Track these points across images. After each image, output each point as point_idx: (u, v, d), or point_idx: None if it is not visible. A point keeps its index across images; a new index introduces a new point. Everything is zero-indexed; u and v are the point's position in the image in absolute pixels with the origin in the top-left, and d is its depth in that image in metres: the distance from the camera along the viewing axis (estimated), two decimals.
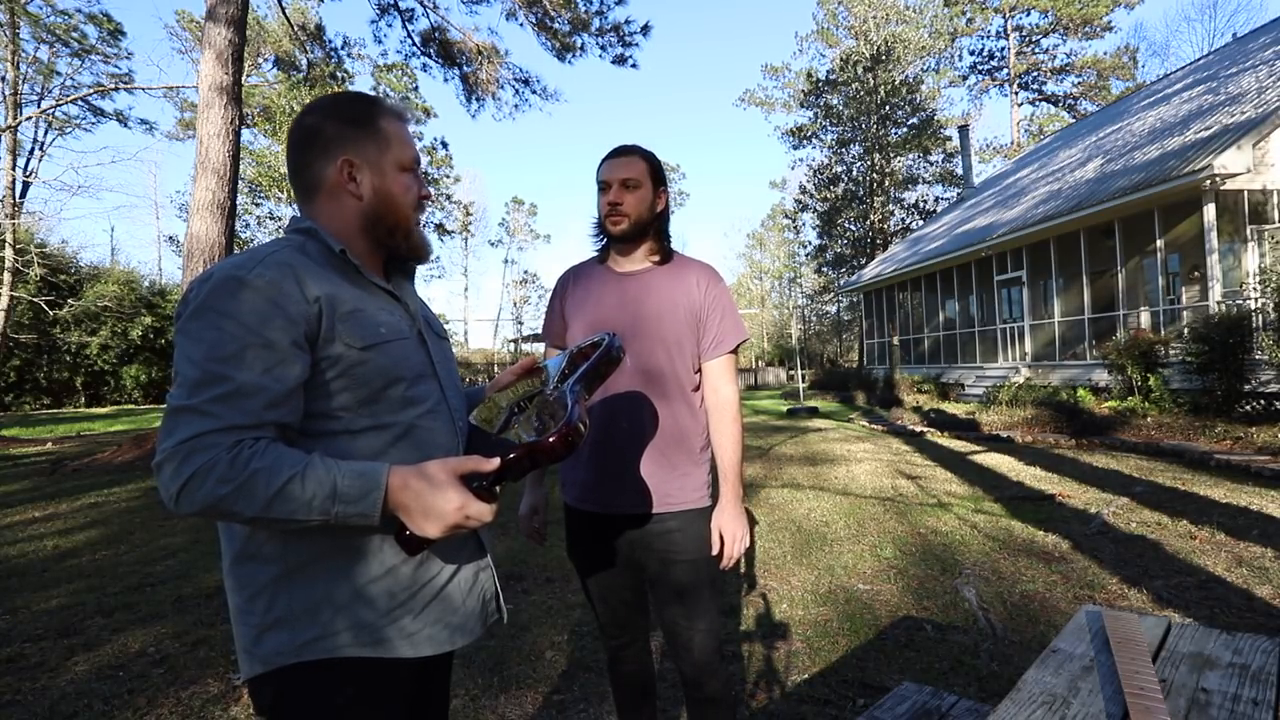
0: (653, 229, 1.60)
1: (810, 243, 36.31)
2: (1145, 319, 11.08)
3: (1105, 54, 32.62)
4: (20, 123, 18.68)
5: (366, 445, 0.95)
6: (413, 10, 13.56)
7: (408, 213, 1.06)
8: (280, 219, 27.81)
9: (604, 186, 1.57)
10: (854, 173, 30.22)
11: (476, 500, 0.86)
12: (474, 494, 0.86)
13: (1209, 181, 9.10)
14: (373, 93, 1.14)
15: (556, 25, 13.15)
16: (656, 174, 1.60)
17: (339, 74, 19.52)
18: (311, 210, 1.04)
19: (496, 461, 0.88)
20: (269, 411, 0.86)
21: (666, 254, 1.62)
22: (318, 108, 1.04)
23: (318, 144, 1.01)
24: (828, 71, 30.35)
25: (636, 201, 1.55)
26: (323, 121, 1.02)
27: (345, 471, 0.85)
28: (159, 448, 0.82)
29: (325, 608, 0.92)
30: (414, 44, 13.93)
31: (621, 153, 1.58)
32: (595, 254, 1.70)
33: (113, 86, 19.18)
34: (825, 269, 33.56)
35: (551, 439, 0.88)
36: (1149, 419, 8.27)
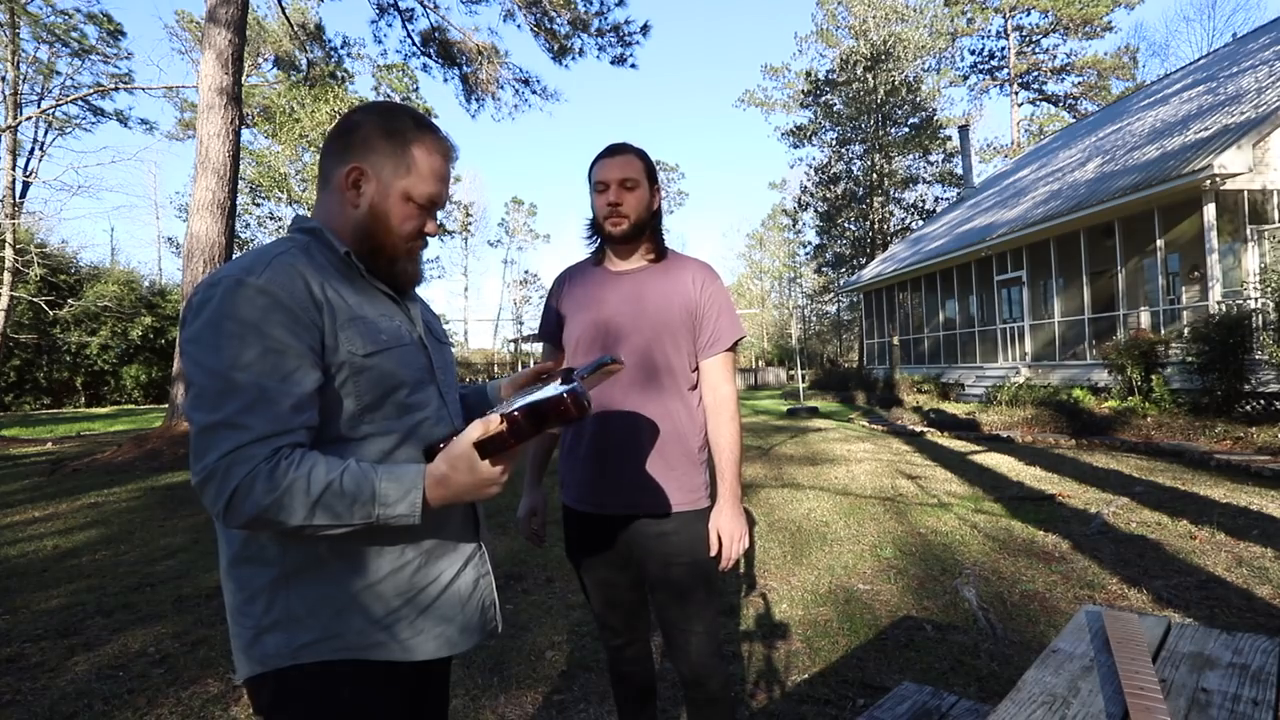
0: (649, 228, 1.59)
1: (810, 243, 36.35)
2: (1145, 319, 11.08)
3: (1105, 54, 32.65)
4: (20, 123, 18.69)
5: (368, 452, 0.95)
6: (412, 10, 13.57)
7: (397, 241, 1.02)
8: (280, 219, 27.80)
9: (601, 187, 1.54)
10: (854, 173, 30.22)
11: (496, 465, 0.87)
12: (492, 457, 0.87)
13: (1209, 181, 9.10)
14: (434, 121, 1.09)
15: (555, 26, 13.16)
16: (651, 172, 1.58)
17: (339, 74, 19.54)
18: (319, 201, 1.04)
19: (496, 419, 0.86)
20: (296, 415, 0.86)
21: (661, 252, 1.61)
22: (368, 108, 1.03)
23: (343, 141, 1.01)
24: (827, 71, 30.35)
25: (636, 202, 1.53)
26: (362, 122, 1.01)
27: (383, 475, 0.87)
28: (196, 467, 0.83)
29: (323, 611, 0.92)
30: (414, 44, 13.95)
31: (617, 152, 1.55)
32: (590, 254, 1.69)
33: (113, 86, 19.21)
34: (825, 269, 33.57)
35: (565, 394, 0.85)
36: (1149, 419, 8.27)
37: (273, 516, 0.82)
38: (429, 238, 1.07)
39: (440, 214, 1.11)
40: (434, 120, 1.06)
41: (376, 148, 0.99)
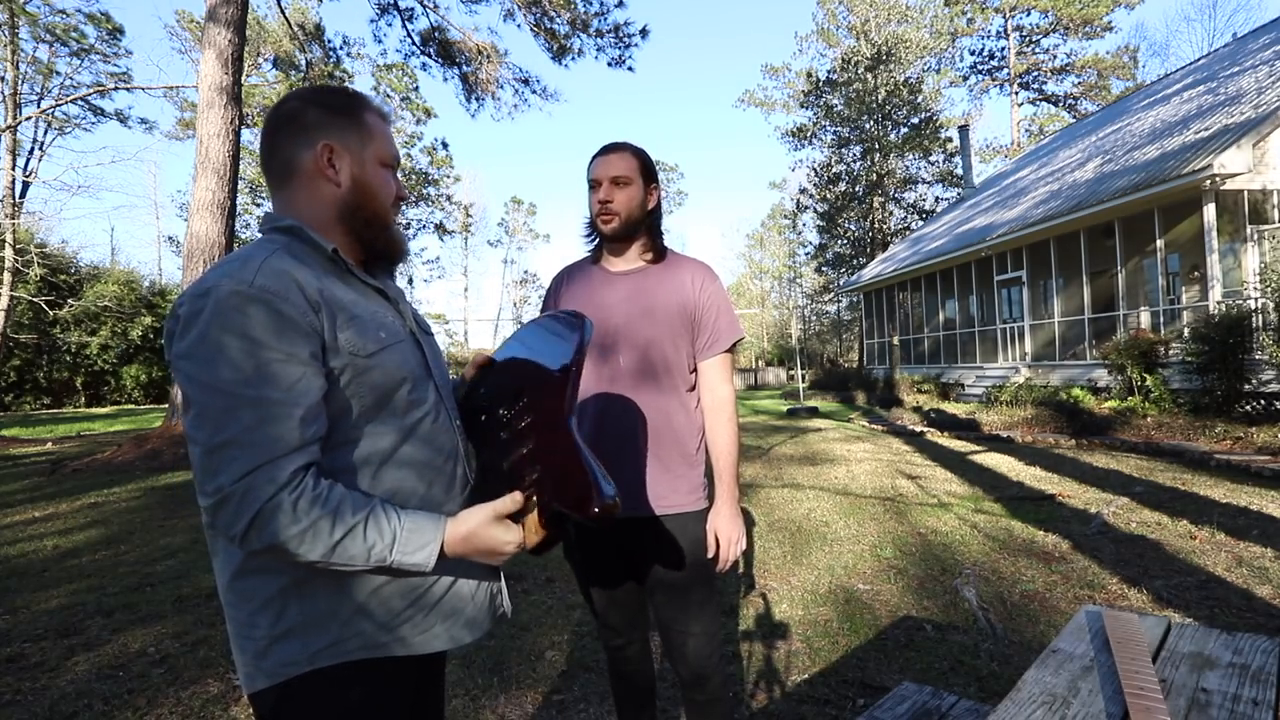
0: (645, 227, 1.58)
1: (810, 243, 36.34)
2: (1145, 319, 11.08)
3: (1105, 54, 32.63)
4: (20, 123, 18.68)
5: (372, 451, 0.94)
6: (412, 10, 13.57)
7: (384, 211, 1.04)
8: None
9: (594, 185, 1.55)
10: (854, 173, 30.22)
11: (519, 530, 0.95)
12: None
13: (1209, 181, 9.10)
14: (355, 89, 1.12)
15: (555, 26, 13.15)
16: (647, 170, 1.57)
17: (338, 73, 19.55)
18: (285, 197, 1.00)
19: (519, 498, 0.95)
20: (306, 428, 0.84)
21: (660, 252, 1.60)
22: (299, 94, 1.01)
23: (296, 127, 0.98)
24: (828, 71, 30.34)
25: (627, 199, 1.53)
26: (304, 107, 0.99)
27: (406, 523, 0.88)
28: (208, 486, 0.80)
29: (338, 614, 0.91)
30: (414, 43, 13.95)
31: (611, 149, 1.56)
32: (588, 254, 1.68)
33: (112, 86, 19.19)
34: (825, 269, 33.56)
35: (596, 510, 0.89)
36: (1149, 419, 8.27)
37: (294, 549, 0.81)
38: (401, 203, 1.09)
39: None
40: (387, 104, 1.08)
41: (334, 124, 0.99)
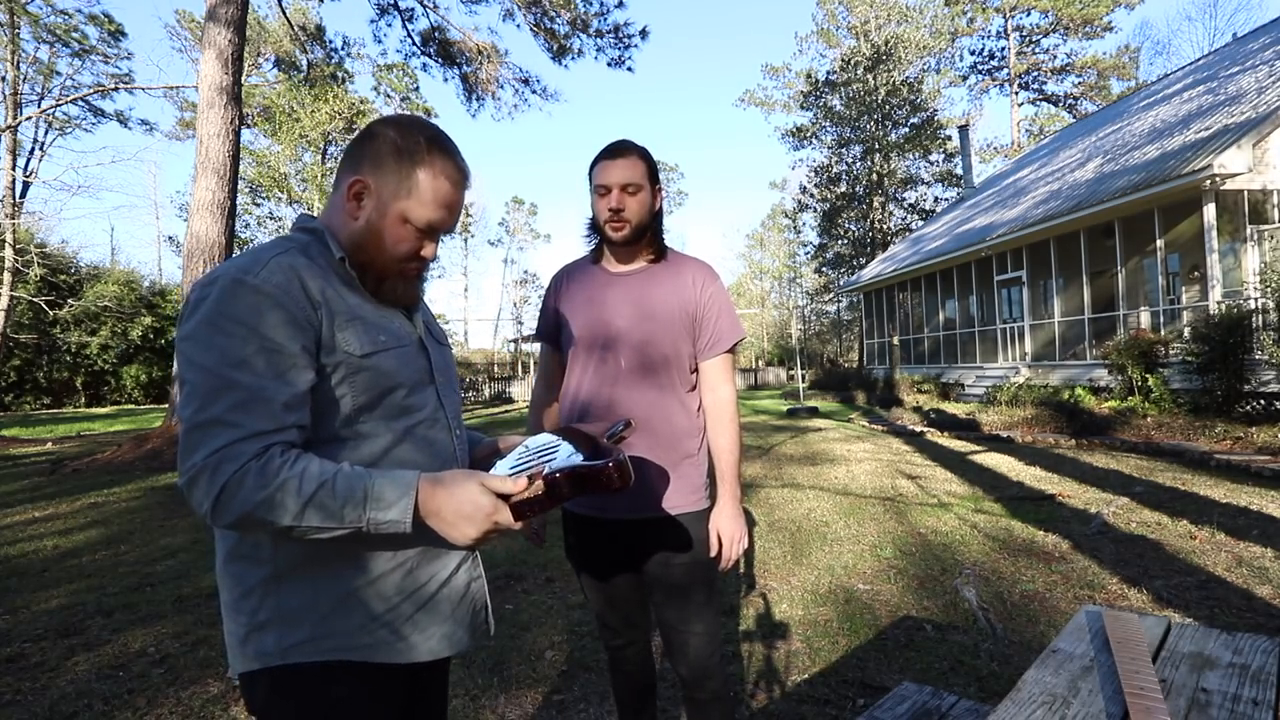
0: (650, 229, 1.57)
1: (810, 243, 36.35)
2: (1145, 319, 11.08)
3: (1105, 54, 32.67)
4: (20, 123, 18.69)
5: (364, 452, 0.95)
6: (412, 10, 13.57)
7: (388, 261, 1.00)
8: (280, 219, 27.80)
9: (602, 190, 1.51)
10: (854, 173, 30.22)
11: (507, 509, 0.86)
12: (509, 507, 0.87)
13: (1209, 181, 9.10)
14: (451, 144, 1.03)
15: (555, 26, 13.15)
16: (653, 173, 1.56)
17: (339, 74, 19.56)
18: (329, 201, 1.05)
19: (524, 481, 0.86)
20: (288, 414, 0.86)
21: (661, 252, 1.59)
22: (390, 121, 1.01)
23: (358, 151, 1.00)
24: (828, 72, 30.36)
25: (638, 206, 1.51)
26: (379, 134, 0.99)
27: (376, 479, 0.86)
28: (185, 465, 0.82)
29: (313, 612, 0.92)
30: (414, 44, 13.95)
31: (619, 153, 1.51)
32: (588, 253, 1.67)
33: (113, 86, 19.21)
34: (825, 269, 33.56)
35: (610, 465, 0.84)
36: (1149, 419, 8.27)
37: (263, 515, 0.81)
38: (428, 261, 1.04)
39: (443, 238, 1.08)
40: (451, 140, 1.02)
41: (384, 164, 0.98)
